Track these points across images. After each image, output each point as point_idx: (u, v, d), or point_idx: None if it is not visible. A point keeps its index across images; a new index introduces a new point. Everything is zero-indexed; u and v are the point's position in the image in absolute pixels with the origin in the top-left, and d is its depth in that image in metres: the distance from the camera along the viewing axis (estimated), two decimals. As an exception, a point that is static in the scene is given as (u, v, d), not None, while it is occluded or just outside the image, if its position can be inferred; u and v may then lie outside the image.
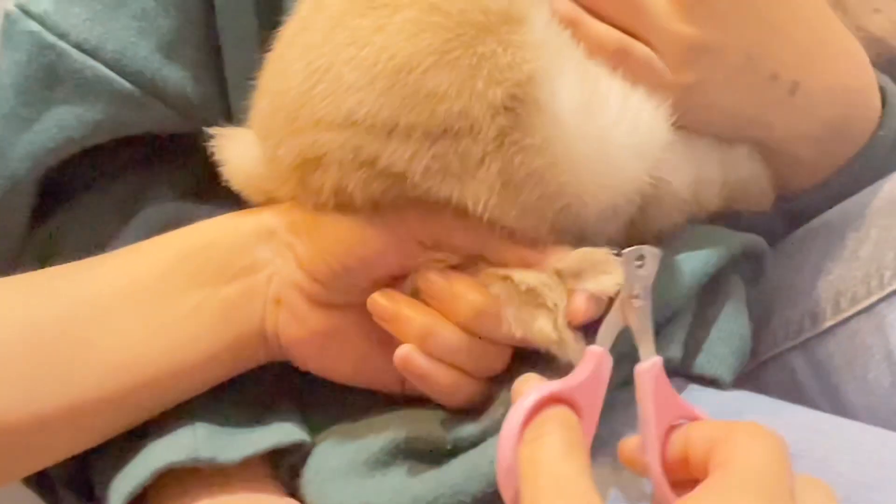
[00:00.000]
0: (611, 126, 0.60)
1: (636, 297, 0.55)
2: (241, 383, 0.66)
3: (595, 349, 0.53)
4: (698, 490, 0.47)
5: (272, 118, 0.62)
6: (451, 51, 0.57)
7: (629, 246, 0.66)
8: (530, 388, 0.51)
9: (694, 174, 0.66)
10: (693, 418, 0.53)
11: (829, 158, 0.70)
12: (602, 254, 0.59)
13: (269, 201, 0.65)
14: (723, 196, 0.69)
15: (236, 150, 0.66)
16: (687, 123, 0.64)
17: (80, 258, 0.65)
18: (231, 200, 0.68)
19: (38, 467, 0.64)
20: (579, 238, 0.61)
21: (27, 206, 0.71)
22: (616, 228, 0.63)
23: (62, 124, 0.69)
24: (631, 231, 0.65)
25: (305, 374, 0.67)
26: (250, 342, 0.64)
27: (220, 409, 0.65)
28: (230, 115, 0.71)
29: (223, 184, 0.67)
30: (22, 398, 0.60)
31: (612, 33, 0.62)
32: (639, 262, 0.55)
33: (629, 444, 0.54)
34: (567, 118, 0.58)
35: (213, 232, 0.65)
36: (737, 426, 0.49)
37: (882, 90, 0.71)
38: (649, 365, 0.53)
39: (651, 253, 0.55)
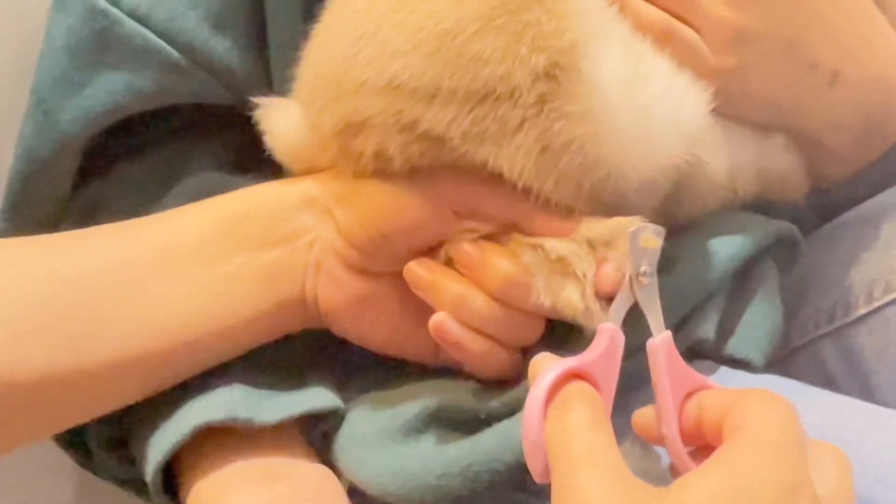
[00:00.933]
0: (655, 101, 0.60)
1: (644, 274, 0.56)
2: (278, 348, 0.67)
3: (607, 326, 0.54)
4: (717, 455, 0.47)
5: (316, 84, 0.63)
6: (497, 17, 0.58)
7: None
8: (548, 365, 0.52)
9: (730, 160, 0.67)
10: (705, 388, 0.54)
11: (865, 151, 0.71)
12: (633, 222, 0.59)
13: (310, 170, 0.66)
14: (758, 185, 0.69)
15: (279, 120, 0.67)
16: (726, 109, 0.65)
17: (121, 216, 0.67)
18: (271, 172, 0.69)
19: (80, 421, 0.65)
20: (614, 212, 0.62)
21: (72, 169, 0.72)
22: (651, 205, 0.63)
23: (111, 89, 0.70)
24: (665, 214, 0.66)
25: (341, 343, 0.67)
26: (290, 307, 0.65)
27: (257, 372, 0.66)
28: (273, 87, 0.72)
29: (264, 155, 0.68)
30: (66, 352, 0.61)
31: (659, 14, 0.63)
32: (645, 240, 0.56)
33: (644, 414, 0.55)
34: (609, 89, 0.59)
35: (256, 198, 0.66)
36: (749, 392, 0.50)
37: None
38: (661, 339, 0.54)
39: (657, 230, 0.56)
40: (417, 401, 0.64)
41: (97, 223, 0.68)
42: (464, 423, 0.63)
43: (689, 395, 0.53)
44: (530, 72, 0.58)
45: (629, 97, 0.60)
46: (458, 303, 0.62)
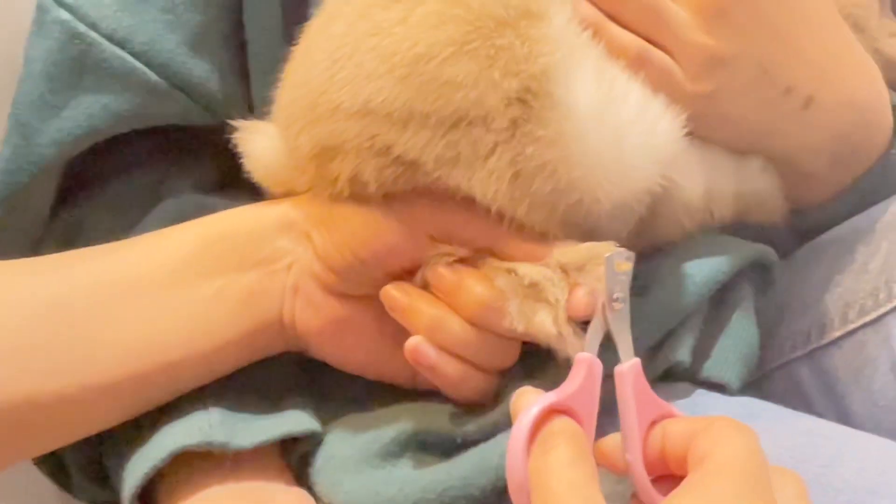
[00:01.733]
0: (627, 125, 0.61)
1: (616, 300, 0.56)
2: (255, 371, 0.67)
3: (584, 356, 0.54)
4: (686, 484, 0.48)
5: (293, 107, 0.64)
6: (471, 42, 0.58)
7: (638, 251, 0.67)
8: (529, 401, 0.52)
9: (706, 183, 0.67)
10: (671, 416, 0.54)
11: (841, 174, 0.71)
12: (606, 247, 0.59)
13: (289, 193, 0.66)
14: (735, 208, 0.70)
15: (258, 143, 0.67)
16: (702, 133, 0.65)
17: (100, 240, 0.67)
18: (250, 194, 0.69)
19: (58, 444, 0.65)
20: (588, 236, 0.62)
21: (51, 192, 0.72)
22: (626, 228, 0.63)
23: (89, 112, 0.70)
24: (641, 238, 0.66)
25: (319, 365, 0.68)
26: (268, 330, 0.65)
27: (234, 396, 0.66)
28: (252, 109, 0.73)
29: (243, 177, 0.68)
30: (43, 375, 0.61)
31: (633, 39, 0.64)
32: (618, 265, 0.56)
33: (608, 443, 0.55)
34: (582, 114, 0.59)
35: (234, 221, 0.66)
36: (712, 420, 0.50)
37: (895, 109, 0.72)
38: (629, 366, 0.54)
39: (628, 255, 0.56)
40: (394, 424, 0.64)
41: (76, 246, 0.68)
42: (440, 447, 0.63)
43: (654, 422, 0.53)
44: (503, 96, 0.58)
45: (601, 122, 0.60)
46: (434, 326, 0.62)
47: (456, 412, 0.64)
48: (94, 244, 0.67)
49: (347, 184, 0.62)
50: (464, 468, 0.61)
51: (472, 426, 0.63)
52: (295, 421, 0.66)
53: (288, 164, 0.65)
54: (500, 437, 0.61)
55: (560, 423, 0.51)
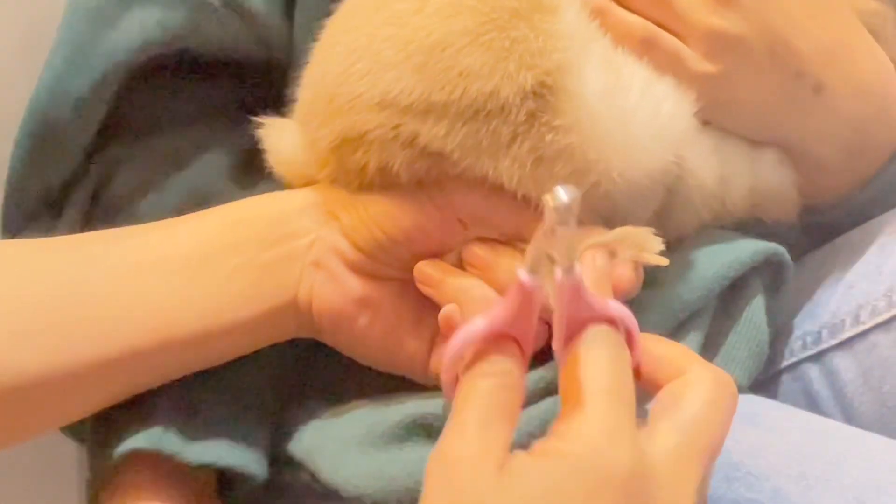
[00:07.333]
0: (633, 109, 0.62)
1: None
2: (231, 383, 0.67)
3: (522, 278, 0.50)
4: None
5: (314, 101, 0.65)
6: (486, 33, 0.59)
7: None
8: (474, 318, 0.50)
9: (721, 170, 0.68)
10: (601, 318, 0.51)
11: (856, 166, 0.71)
12: (642, 231, 0.60)
13: (309, 185, 0.67)
14: (750, 201, 0.70)
15: (280, 139, 0.68)
16: (713, 118, 0.66)
17: (124, 195, 0.70)
18: (272, 188, 0.70)
19: (68, 420, 0.66)
20: (609, 219, 0.62)
21: (86, 133, 0.72)
22: (646, 214, 0.64)
23: (144, 25, 0.70)
24: (658, 226, 0.66)
25: (325, 361, 0.68)
26: (282, 310, 0.65)
27: (215, 404, 0.66)
28: (292, 56, 0.73)
29: (265, 171, 0.69)
30: (56, 351, 0.61)
31: (640, 22, 0.65)
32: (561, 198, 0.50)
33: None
34: (592, 101, 0.60)
35: (256, 206, 0.67)
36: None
37: None
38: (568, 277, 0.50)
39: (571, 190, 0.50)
40: (402, 408, 0.64)
41: (102, 201, 0.70)
42: None
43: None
44: (518, 89, 0.59)
45: (609, 106, 0.61)
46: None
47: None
48: (120, 193, 0.69)
49: (377, 175, 0.62)
50: None
51: None
52: (243, 457, 0.66)
53: (309, 159, 0.66)
54: None
55: (497, 367, 0.50)
